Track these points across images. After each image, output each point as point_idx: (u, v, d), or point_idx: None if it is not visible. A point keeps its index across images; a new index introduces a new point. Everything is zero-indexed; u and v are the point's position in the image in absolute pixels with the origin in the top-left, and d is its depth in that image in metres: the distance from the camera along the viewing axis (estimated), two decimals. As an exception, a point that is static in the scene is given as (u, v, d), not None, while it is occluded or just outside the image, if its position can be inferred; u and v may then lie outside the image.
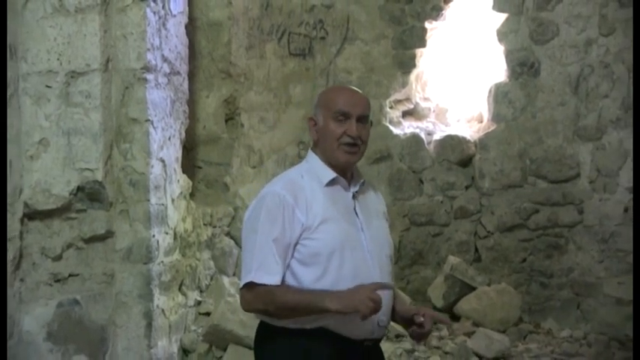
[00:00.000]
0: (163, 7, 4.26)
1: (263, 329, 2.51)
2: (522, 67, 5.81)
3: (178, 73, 4.49)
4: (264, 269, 2.38)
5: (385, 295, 2.43)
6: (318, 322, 2.40)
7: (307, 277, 2.41)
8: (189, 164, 5.14)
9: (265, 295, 2.38)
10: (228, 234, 5.24)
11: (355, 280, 2.39)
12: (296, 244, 2.41)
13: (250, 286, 2.39)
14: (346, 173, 2.52)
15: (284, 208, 2.40)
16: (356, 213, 2.50)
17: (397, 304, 2.58)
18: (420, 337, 2.54)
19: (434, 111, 6.27)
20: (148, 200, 4.09)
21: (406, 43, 6.04)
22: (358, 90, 2.59)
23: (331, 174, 2.48)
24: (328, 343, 2.41)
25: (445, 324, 2.63)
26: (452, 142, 5.98)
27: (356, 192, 2.52)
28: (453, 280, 5.53)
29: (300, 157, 5.28)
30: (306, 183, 2.46)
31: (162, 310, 4.23)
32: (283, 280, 2.40)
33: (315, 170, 2.50)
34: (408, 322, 2.54)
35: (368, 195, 2.59)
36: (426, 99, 6.29)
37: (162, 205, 4.24)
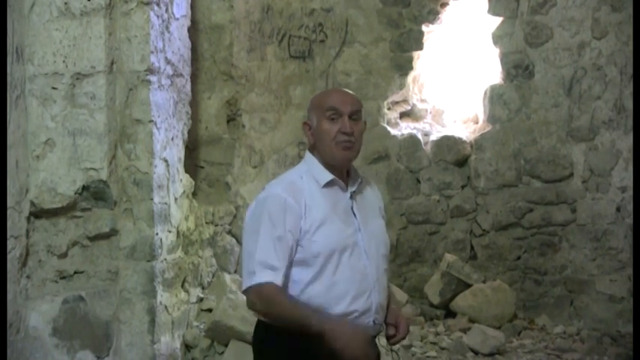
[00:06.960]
0: (167, 10, 4.28)
1: (261, 330, 2.54)
2: (517, 69, 5.87)
3: (181, 75, 4.50)
4: (266, 266, 2.38)
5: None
6: None
7: (303, 279, 2.43)
8: (192, 164, 5.16)
9: (268, 299, 2.39)
10: (229, 232, 5.26)
11: (350, 281, 2.43)
12: (297, 245, 2.43)
13: (255, 288, 2.40)
14: (343, 174, 2.54)
15: (286, 211, 2.42)
16: (354, 213, 2.52)
17: (390, 303, 2.62)
18: (389, 342, 2.60)
19: (430, 112, 6.34)
20: (152, 199, 4.10)
21: (403, 46, 6.11)
22: (347, 90, 2.65)
23: (329, 176, 2.50)
24: (325, 341, 2.41)
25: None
26: (448, 142, 6.05)
27: (353, 192, 2.55)
28: (449, 277, 5.60)
29: (300, 157, 5.29)
30: (305, 184, 2.48)
31: (165, 307, 4.24)
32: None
33: (313, 172, 2.52)
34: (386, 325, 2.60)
35: (365, 193, 2.61)
36: (422, 100, 6.34)
37: (166, 204, 4.26)
